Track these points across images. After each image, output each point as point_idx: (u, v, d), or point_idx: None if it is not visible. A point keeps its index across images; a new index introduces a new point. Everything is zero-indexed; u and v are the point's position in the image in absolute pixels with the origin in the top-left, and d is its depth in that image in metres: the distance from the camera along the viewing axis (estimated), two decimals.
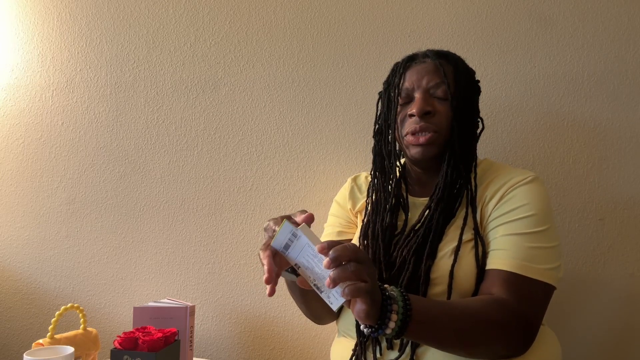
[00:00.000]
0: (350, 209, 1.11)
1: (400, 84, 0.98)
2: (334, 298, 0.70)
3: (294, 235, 0.73)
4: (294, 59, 1.35)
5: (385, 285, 0.75)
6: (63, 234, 1.41)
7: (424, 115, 0.93)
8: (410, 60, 1.00)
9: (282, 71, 1.36)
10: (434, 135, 0.93)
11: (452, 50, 1.02)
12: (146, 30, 1.40)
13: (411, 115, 0.95)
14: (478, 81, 1.03)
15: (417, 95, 0.95)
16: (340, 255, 0.67)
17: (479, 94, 1.03)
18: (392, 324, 0.71)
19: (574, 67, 1.27)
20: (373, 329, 0.73)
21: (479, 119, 1.02)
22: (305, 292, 0.95)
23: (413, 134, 0.95)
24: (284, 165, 1.35)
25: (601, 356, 1.26)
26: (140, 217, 1.39)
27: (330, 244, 0.68)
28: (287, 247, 0.74)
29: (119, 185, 1.40)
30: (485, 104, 1.27)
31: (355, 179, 1.15)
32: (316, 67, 1.35)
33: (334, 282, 0.67)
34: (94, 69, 1.41)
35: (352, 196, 1.11)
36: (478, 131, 1.01)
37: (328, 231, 1.14)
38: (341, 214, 1.13)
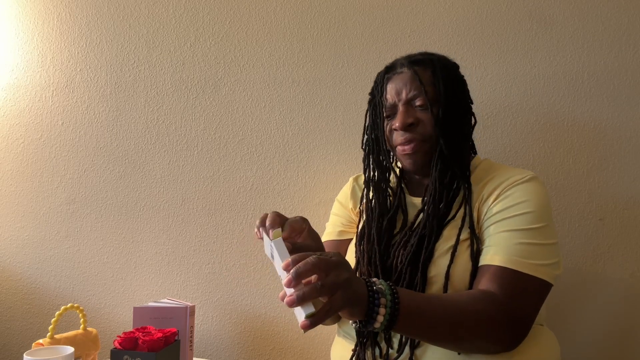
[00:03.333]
0: (351, 208, 1.11)
1: (383, 98, 0.99)
2: (299, 315, 0.67)
3: (271, 246, 0.73)
4: (294, 59, 1.35)
5: (374, 279, 0.75)
6: (63, 234, 1.41)
7: (407, 128, 0.95)
8: (389, 71, 1.01)
9: (282, 71, 1.36)
10: (420, 143, 0.95)
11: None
12: (146, 30, 1.40)
13: (395, 129, 0.97)
14: (462, 76, 1.01)
15: (399, 107, 0.96)
16: (302, 272, 0.65)
17: (465, 89, 1.01)
18: (380, 318, 0.71)
19: (574, 67, 1.27)
20: (362, 324, 0.73)
21: (470, 115, 1.01)
22: None
23: (401, 145, 0.97)
24: (284, 165, 1.35)
25: (601, 356, 1.26)
26: (140, 217, 1.39)
27: (295, 259, 0.67)
28: (272, 257, 0.75)
29: (119, 185, 1.40)
30: (485, 104, 1.27)
31: (356, 179, 1.15)
32: (316, 67, 1.35)
33: (300, 302, 0.64)
34: (94, 69, 1.41)
35: (354, 196, 1.12)
36: (472, 125, 1.01)
37: (329, 230, 1.14)
38: (342, 213, 1.13)
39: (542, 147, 1.27)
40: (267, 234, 0.79)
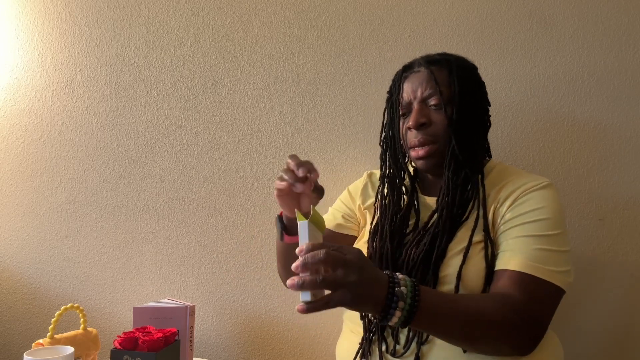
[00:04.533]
0: (359, 204, 1.12)
1: (399, 96, 1.00)
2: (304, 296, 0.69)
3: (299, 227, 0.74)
4: (294, 59, 1.35)
5: (400, 277, 0.75)
6: (63, 234, 1.41)
7: (419, 127, 0.96)
8: (406, 70, 1.01)
9: (282, 71, 1.36)
10: (432, 147, 0.95)
11: (453, 51, 1.02)
12: (146, 30, 1.40)
13: (410, 128, 0.97)
14: (480, 78, 1.02)
15: (414, 106, 0.97)
16: (308, 264, 0.68)
17: (483, 90, 1.02)
18: (395, 319, 0.73)
19: (574, 67, 1.27)
20: (377, 319, 0.75)
21: (486, 117, 1.02)
22: (287, 252, 0.98)
23: (414, 148, 0.97)
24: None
25: (601, 356, 1.26)
26: (140, 217, 1.39)
27: (308, 248, 0.69)
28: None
29: (119, 185, 1.40)
30: None
31: (370, 175, 1.15)
32: (316, 67, 1.35)
33: (298, 288, 0.67)
34: (94, 69, 1.41)
35: (365, 192, 1.12)
36: (487, 127, 1.02)
37: (328, 217, 1.15)
38: (348, 204, 1.14)
39: (542, 147, 1.27)
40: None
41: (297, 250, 0.70)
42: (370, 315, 0.76)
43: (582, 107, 1.27)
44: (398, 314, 0.72)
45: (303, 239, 0.72)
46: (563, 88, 1.27)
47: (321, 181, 1.34)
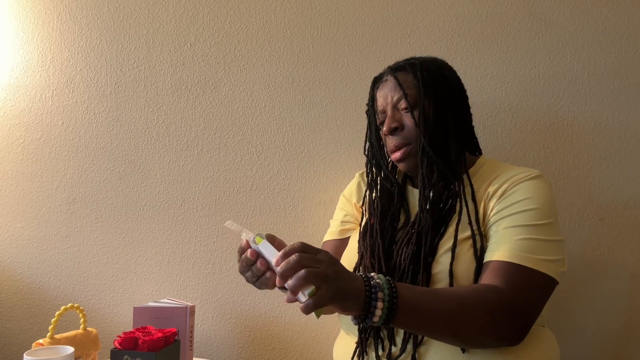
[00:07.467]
0: (355, 203, 1.13)
1: (375, 107, 1.04)
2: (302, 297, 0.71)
3: (260, 251, 0.79)
4: (294, 59, 1.35)
5: (372, 274, 0.77)
6: (63, 234, 1.41)
7: (393, 132, 0.99)
8: (377, 81, 1.06)
9: (282, 71, 1.36)
10: (407, 149, 0.98)
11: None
12: (146, 30, 1.40)
13: (385, 135, 1.01)
14: (449, 75, 1.01)
15: (387, 112, 1.01)
16: (285, 271, 0.70)
17: (452, 87, 1.01)
18: (378, 312, 0.73)
19: (574, 67, 1.27)
20: (360, 318, 0.75)
21: (461, 113, 1.02)
22: None
23: (392, 152, 1.01)
24: (284, 165, 1.35)
25: (601, 356, 1.26)
26: (140, 217, 1.39)
27: (282, 256, 0.72)
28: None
29: (119, 185, 1.40)
30: (485, 104, 1.27)
31: (362, 175, 1.17)
32: (316, 67, 1.35)
33: (294, 292, 0.69)
34: (94, 69, 1.41)
35: (359, 190, 1.14)
36: (465, 122, 1.02)
37: (332, 229, 1.16)
38: (347, 208, 1.15)
39: (542, 147, 1.27)
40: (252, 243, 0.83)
41: (274, 263, 0.73)
42: (351, 318, 0.77)
43: (582, 107, 1.27)
44: (380, 305, 0.73)
45: (273, 255, 0.75)
46: (563, 88, 1.27)
47: (320, 181, 1.35)
